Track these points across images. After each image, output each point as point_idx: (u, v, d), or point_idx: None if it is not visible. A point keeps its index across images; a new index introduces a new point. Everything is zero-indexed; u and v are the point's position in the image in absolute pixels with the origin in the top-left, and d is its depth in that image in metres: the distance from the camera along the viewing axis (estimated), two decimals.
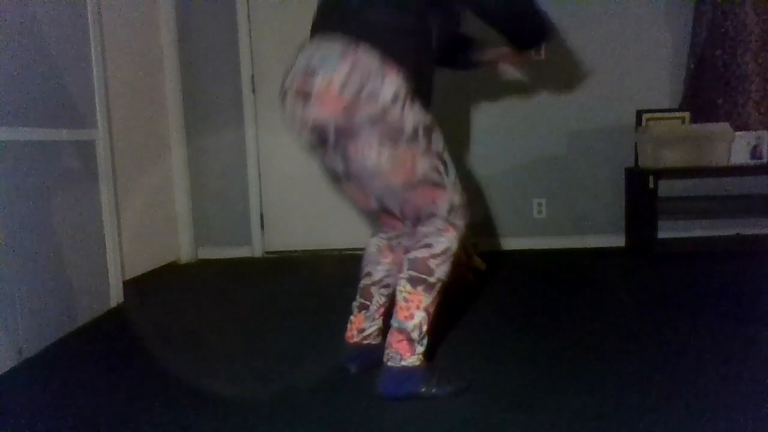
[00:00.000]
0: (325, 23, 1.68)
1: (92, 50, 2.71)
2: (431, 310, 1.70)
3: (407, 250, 1.71)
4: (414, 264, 1.67)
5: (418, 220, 1.70)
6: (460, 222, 1.71)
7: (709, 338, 2.08)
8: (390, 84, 1.55)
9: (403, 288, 1.68)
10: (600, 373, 1.81)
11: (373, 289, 1.91)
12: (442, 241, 1.68)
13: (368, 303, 1.92)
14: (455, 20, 1.77)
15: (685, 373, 1.79)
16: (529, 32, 1.77)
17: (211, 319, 2.58)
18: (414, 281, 1.67)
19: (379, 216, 1.88)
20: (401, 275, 1.69)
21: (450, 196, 1.68)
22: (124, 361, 2.10)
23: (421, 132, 1.61)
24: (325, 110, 1.57)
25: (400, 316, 1.68)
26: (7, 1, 2.15)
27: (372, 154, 1.59)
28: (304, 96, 1.60)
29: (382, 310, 1.92)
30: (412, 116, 1.59)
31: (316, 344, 2.19)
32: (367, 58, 1.55)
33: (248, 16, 3.82)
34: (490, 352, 2.04)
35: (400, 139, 1.58)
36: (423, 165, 1.62)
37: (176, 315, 2.68)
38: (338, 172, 1.74)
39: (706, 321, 2.26)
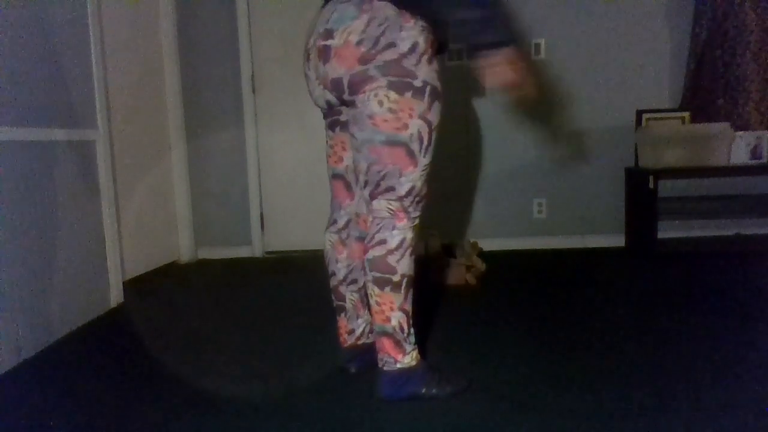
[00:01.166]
0: None
1: (92, 50, 2.71)
2: (407, 306, 1.67)
3: (364, 250, 1.68)
4: (374, 264, 1.64)
5: (375, 192, 1.66)
6: (415, 213, 1.68)
7: (709, 338, 2.08)
8: (407, 35, 1.56)
9: (372, 292, 1.66)
10: (600, 373, 1.81)
11: (342, 288, 1.90)
12: (395, 234, 1.64)
13: (343, 303, 1.91)
14: None
15: (685, 373, 1.79)
16: (481, 24, 1.52)
17: (211, 319, 2.58)
18: (379, 283, 1.64)
19: (335, 184, 1.87)
20: (366, 278, 1.67)
21: (416, 177, 1.65)
22: (123, 361, 2.10)
23: (428, 91, 1.60)
24: (343, 65, 1.59)
25: (377, 320, 1.67)
26: (8, 1, 2.15)
27: (376, 99, 1.58)
28: (325, 55, 1.62)
29: (359, 306, 1.90)
30: (426, 71, 1.59)
31: (316, 344, 2.19)
32: (382, 10, 1.56)
33: (248, 16, 3.82)
34: (490, 352, 2.04)
35: (407, 90, 1.58)
36: (414, 125, 1.60)
37: (176, 315, 2.68)
38: (338, 120, 1.78)
39: (706, 321, 2.26)
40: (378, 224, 1.67)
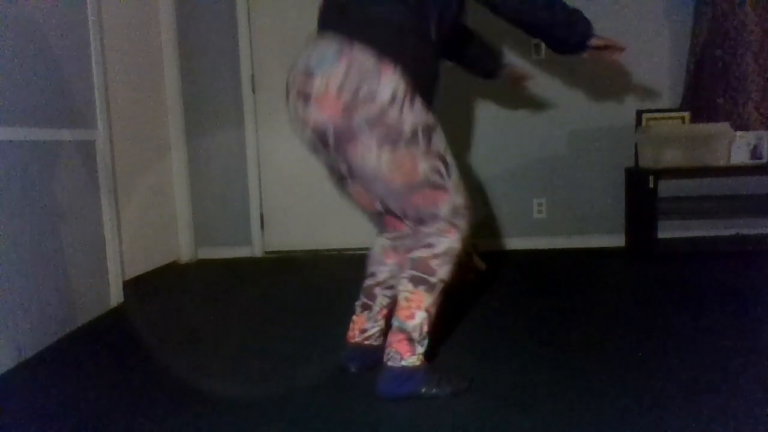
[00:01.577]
0: (324, 20, 1.68)
1: (92, 50, 2.71)
2: (432, 310, 1.69)
3: (409, 250, 1.70)
4: (416, 264, 1.67)
5: (420, 221, 1.69)
6: (462, 223, 1.70)
7: (709, 338, 2.08)
8: (387, 83, 1.53)
9: (405, 287, 1.68)
10: (600, 373, 1.81)
11: (377, 290, 1.91)
12: (443, 242, 1.67)
13: (371, 303, 1.91)
14: (454, 10, 1.68)
15: (685, 373, 1.79)
16: (567, 27, 1.82)
17: (211, 319, 2.58)
18: (415, 281, 1.66)
19: (382, 217, 1.87)
20: (403, 275, 1.69)
21: (452, 197, 1.66)
22: (123, 361, 2.10)
23: (420, 133, 1.59)
24: (324, 113, 1.57)
25: (401, 315, 1.68)
26: (7, 1, 2.15)
27: (371, 157, 1.58)
28: (305, 97, 1.61)
29: (384, 311, 1.92)
30: (412, 117, 1.57)
31: (316, 344, 2.19)
32: (362, 58, 1.53)
33: (248, 16, 3.82)
34: (491, 352, 2.04)
35: (399, 141, 1.57)
36: (423, 167, 1.61)
37: (176, 315, 2.68)
38: (341, 172, 1.75)
39: (706, 321, 2.26)
40: (427, 232, 1.69)
